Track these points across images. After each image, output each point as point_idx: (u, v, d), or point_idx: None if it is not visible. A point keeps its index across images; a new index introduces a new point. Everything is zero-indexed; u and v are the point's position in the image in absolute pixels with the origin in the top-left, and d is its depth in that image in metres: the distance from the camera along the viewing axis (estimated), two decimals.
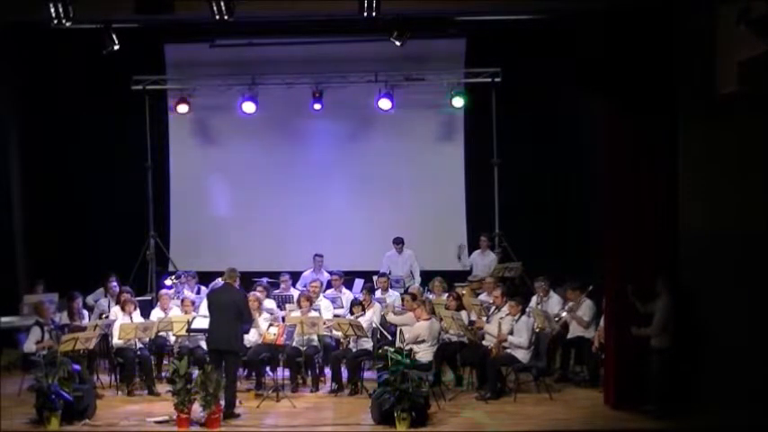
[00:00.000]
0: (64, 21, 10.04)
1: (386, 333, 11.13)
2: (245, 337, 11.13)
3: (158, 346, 11.43)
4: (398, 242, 13.87)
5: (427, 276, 13.34)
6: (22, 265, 14.34)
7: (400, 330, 10.71)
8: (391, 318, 11.16)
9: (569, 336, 11.32)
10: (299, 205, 14.84)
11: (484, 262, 13.60)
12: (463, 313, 11.23)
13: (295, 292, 12.53)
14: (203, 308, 11.07)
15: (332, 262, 13.68)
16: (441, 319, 10.98)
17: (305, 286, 12.71)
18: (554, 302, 11.72)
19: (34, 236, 14.57)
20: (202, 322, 10.80)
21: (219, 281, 11.29)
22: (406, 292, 12.52)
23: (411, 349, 10.22)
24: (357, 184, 14.91)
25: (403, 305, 11.58)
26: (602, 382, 10.43)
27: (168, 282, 12.78)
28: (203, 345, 10.80)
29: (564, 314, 11.30)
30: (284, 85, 14.42)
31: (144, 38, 12.83)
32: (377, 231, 14.48)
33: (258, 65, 14.41)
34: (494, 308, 11.26)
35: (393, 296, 12.48)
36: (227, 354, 9.83)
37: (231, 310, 9.89)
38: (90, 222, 14.58)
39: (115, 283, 12.56)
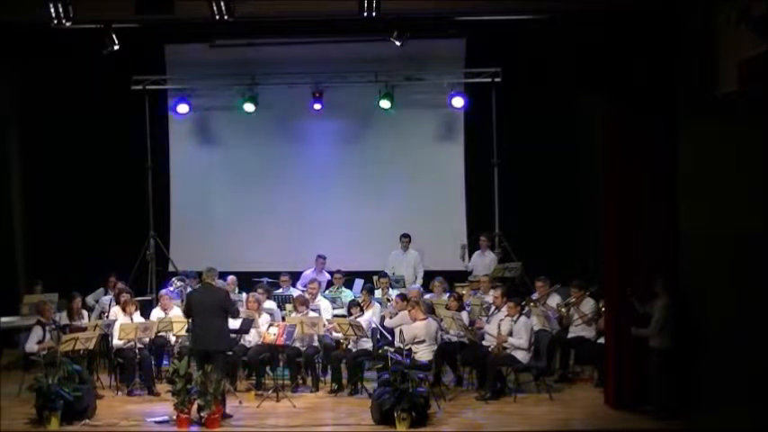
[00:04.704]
0: (64, 21, 10.02)
1: (386, 333, 11.13)
2: (245, 337, 11.16)
3: (158, 346, 11.43)
4: (405, 237, 13.89)
5: (428, 276, 13.36)
6: (22, 265, 14.35)
7: (400, 330, 10.71)
8: (388, 322, 11.14)
9: (569, 336, 11.33)
10: (298, 205, 14.84)
11: (483, 262, 13.60)
12: (464, 313, 11.24)
13: (295, 292, 12.54)
14: None
15: (332, 262, 13.68)
16: (441, 320, 10.98)
17: (304, 286, 12.71)
18: (553, 301, 11.71)
19: (34, 236, 14.58)
20: None
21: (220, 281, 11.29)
22: None
23: (410, 349, 10.22)
24: (357, 185, 14.91)
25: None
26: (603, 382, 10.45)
27: (172, 287, 12.74)
28: None
29: (563, 309, 11.30)
30: (284, 85, 14.41)
31: (144, 38, 12.81)
32: (376, 231, 14.49)
33: (258, 65, 14.40)
34: (493, 308, 11.26)
35: (392, 296, 12.46)
36: (216, 354, 9.78)
37: (214, 309, 9.84)
38: (90, 222, 14.57)
39: (121, 284, 12.56)
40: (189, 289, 12.51)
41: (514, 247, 13.76)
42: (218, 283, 11.28)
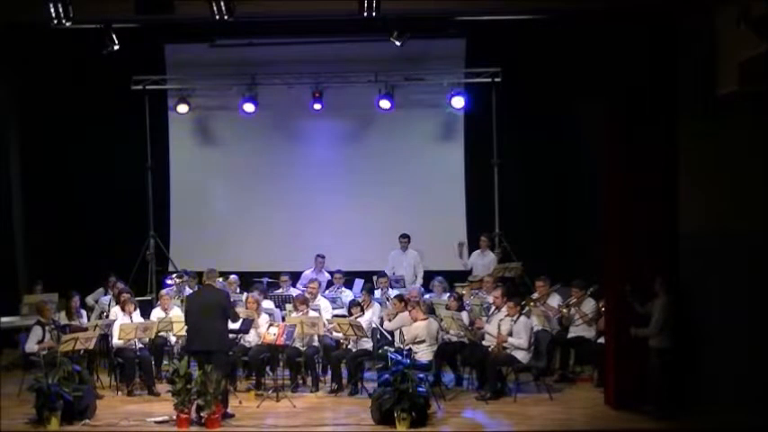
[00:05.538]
0: (64, 21, 10.03)
1: (386, 333, 11.12)
2: (245, 337, 11.16)
3: (158, 347, 11.43)
4: (404, 237, 13.89)
5: (428, 276, 13.36)
6: (22, 265, 14.35)
7: (400, 330, 10.71)
8: (387, 325, 11.11)
9: (569, 336, 11.34)
10: (298, 205, 14.84)
11: (483, 262, 13.59)
12: (464, 313, 11.24)
13: (295, 292, 12.53)
14: None
15: (332, 262, 13.70)
16: (441, 320, 10.98)
17: (304, 286, 12.71)
18: (554, 301, 11.72)
19: (34, 236, 14.57)
20: None
21: (220, 281, 11.27)
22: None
23: (410, 349, 10.22)
24: (357, 185, 14.91)
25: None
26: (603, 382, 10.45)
27: (170, 281, 12.74)
28: None
29: (564, 310, 11.30)
30: (284, 85, 14.43)
31: (144, 38, 12.83)
32: (377, 231, 14.50)
33: (258, 65, 14.41)
34: (493, 308, 11.26)
35: (392, 296, 12.45)
36: (217, 354, 9.74)
37: (215, 310, 9.80)
38: (90, 222, 14.57)
39: (121, 284, 12.55)
40: (187, 287, 12.53)
41: (514, 247, 13.76)
42: (219, 283, 11.28)
